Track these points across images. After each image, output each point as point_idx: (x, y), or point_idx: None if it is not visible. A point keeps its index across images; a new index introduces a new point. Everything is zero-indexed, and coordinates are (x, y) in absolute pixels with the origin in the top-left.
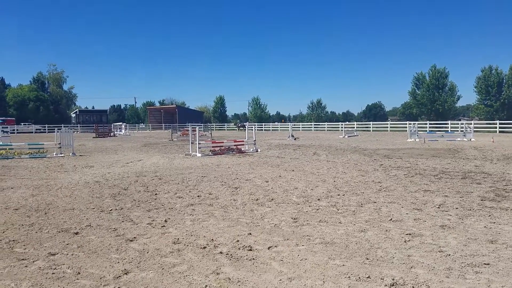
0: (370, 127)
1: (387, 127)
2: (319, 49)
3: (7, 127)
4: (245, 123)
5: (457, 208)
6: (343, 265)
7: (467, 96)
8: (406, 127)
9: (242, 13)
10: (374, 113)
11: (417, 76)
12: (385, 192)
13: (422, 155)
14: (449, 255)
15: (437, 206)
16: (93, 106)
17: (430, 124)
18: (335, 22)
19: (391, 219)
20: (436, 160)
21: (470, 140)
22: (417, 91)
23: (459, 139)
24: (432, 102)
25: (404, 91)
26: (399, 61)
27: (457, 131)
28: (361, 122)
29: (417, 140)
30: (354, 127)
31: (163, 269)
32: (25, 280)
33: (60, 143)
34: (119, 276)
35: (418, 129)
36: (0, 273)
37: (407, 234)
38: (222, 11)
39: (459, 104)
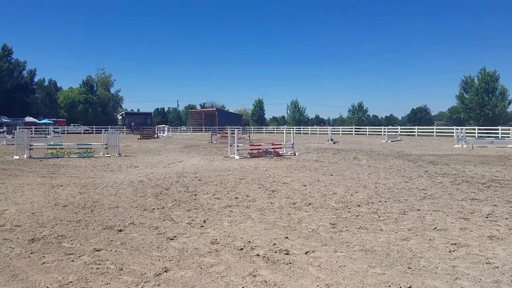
0: (414, 132)
1: (433, 132)
2: (361, 50)
3: (58, 128)
4: (133, 123)
5: (507, 218)
6: (384, 273)
7: None
8: (453, 133)
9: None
10: (419, 117)
11: (465, 80)
12: (429, 199)
13: (469, 161)
14: (498, 267)
15: (485, 216)
16: (139, 109)
17: (478, 129)
18: (378, 22)
19: (435, 228)
20: (485, 168)
21: None
22: (465, 95)
23: (510, 145)
24: (481, 107)
25: (451, 95)
26: (446, 63)
27: (509, 137)
28: (405, 126)
29: (464, 146)
30: (397, 132)
31: (201, 268)
32: (71, 274)
33: (107, 144)
34: (159, 274)
35: (466, 134)
36: (49, 266)
37: (452, 244)
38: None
39: (511, 109)
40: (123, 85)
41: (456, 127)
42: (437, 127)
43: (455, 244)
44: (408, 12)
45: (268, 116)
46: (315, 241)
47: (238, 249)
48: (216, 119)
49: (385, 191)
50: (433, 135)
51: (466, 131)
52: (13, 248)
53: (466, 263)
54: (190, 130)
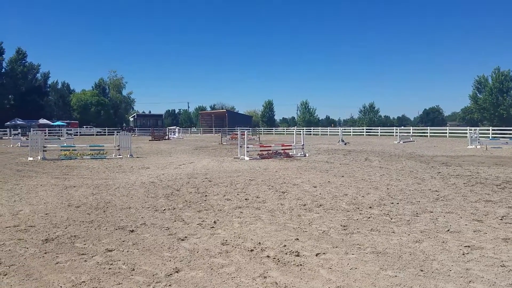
0: (427, 133)
1: (446, 133)
2: (372, 49)
3: (71, 130)
4: (124, 125)
5: None
6: (396, 276)
7: None
8: (466, 133)
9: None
10: (432, 117)
11: (479, 79)
12: (442, 201)
13: (483, 163)
14: None
15: (500, 218)
16: (150, 111)
17: (493, 130)
18: (389, 22)
19: (448, 230)
20: (499, 169)
21: None
22: (478, 95)
23: None
24: (495, 107)
25: (464, 95)
26: (459, 63)
27: None
28: (418, 127)
29: (478, 147)
30: (409, 132)
31: (212, 269)
32: (84, 274)
33: (119, 146)
34: (171, 274)
35: (480, 135)
36: (62, 266)
37: (465, 247)
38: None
39: None
40: (135, 87)
41: (470, 128)
42: (450, 128)
43: (468, 246)
44: (420, 12)
45: (278, 117)
46: (326, 243)
47: (248, 250)
48: (226, 121)
49: (397, 193)
50: (446, 136)
51: (480, 131)
52: (27, 248)
53: (480, 266)
54: (200, 132)
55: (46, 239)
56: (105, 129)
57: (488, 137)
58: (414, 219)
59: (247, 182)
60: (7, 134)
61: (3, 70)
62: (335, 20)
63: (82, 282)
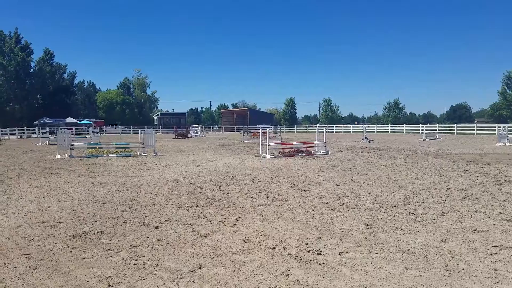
0: (454, 130)
1: (474, 130)
2: (397, 46)
3: (97, 128)
4: (94, 125)
5: None
6: (421, 275)
7: None
8: (495, 130)
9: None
10: (459, 114)
11: (508, 75)
12: (469, 200)
13: None
14: None
15: None
16: (173, 109)
17: None
18: (414, 18)
19: (475, 230)
20: None
21: None
22: (508, 91)
23: None
24: None
25: (493, 91)
26: (487, 58)
27: None
28: (444, 124)
29: (507, 144)
30: (436, 130)
31: (234, 266)
32: (110, 269)
33: (143, 144)
34: (194, 270)
35: (509, 132)
36: (89, 261)
37: (493, 246)
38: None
39: None
40: (159, 86)
41: (498, 125)
42: (477, 125)
43: (496, 246)
44: (447, 8)
45: (300, 114)
46: (349, 241)
47: (270, 248)
48: (248, 119)
49: (422, 191)
50: (474, 133)
51: (509, 128)
52: (55, 243)
53: (508, 266)
54: (222, 130)
55: (73, 235)
56: (130, 128)
57: None
58: (440, 218)
59: (269, 180)
60: (35, 132)
61: (32, 70)
62: (356, 17)
63: (108, 277)
